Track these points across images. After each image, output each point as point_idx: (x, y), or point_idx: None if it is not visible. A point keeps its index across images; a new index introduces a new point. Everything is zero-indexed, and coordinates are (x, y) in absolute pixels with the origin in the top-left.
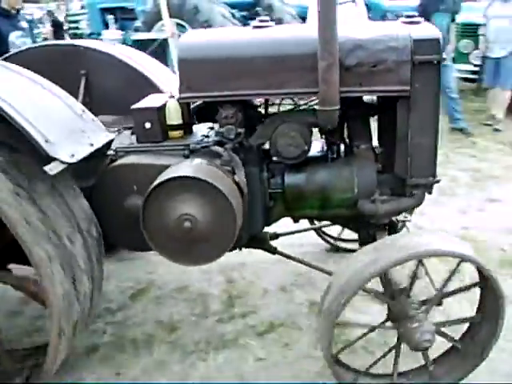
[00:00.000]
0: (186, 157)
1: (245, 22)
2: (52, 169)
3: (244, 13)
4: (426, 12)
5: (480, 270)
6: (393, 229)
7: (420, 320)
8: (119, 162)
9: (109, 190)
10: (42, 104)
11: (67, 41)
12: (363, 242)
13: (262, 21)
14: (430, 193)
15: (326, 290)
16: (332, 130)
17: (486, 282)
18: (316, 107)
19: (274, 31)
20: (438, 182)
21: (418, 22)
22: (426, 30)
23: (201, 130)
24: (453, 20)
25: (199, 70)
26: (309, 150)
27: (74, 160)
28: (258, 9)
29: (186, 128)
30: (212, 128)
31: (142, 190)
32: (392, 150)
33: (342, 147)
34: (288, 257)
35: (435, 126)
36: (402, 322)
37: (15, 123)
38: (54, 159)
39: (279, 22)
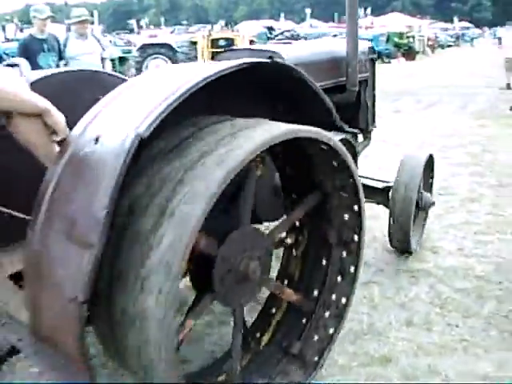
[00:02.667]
0: None
1: None
2: None
3: None
4: (29, 52)
5: None
6: None
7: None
8: None
9: None
10: None
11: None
12: None
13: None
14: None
15: (392, 199)
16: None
17: None
18: None
19: (322, 45)
20: (375, 127)
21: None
22: (362, 42)
23: None
24: (61, 58)
25: None
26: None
27: None
28: None
29: None
30: None
31: None
32: (354, 115)
33: None
34: None
35: (375, 93)
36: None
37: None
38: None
39: None
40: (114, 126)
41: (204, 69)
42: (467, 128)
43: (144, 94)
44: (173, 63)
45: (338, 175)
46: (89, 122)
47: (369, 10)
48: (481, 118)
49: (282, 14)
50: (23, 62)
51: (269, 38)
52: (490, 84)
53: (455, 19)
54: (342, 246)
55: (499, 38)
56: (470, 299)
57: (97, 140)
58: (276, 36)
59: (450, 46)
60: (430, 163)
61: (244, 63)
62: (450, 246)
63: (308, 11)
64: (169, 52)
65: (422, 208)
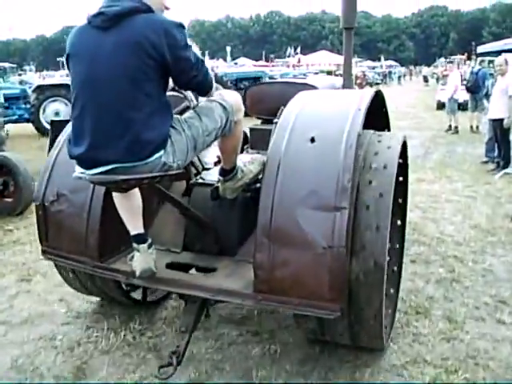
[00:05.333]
0: None
1: None
2: None
3: None
4: None
5: None
6: None
7: None
8: None
9: None
10: None
11: None
12: None
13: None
14: None
15: None
16: None
17: None
18: None
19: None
20: None
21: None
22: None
23: None
24: None
25: None
26: None
27: None
28: None
29: None
30: None
31: None
32: None
33: None
34: None
35: None
36: None
37: None
38: None
39: None
40: (325, 129)
41: (362, 92)
42: None
43: (329, 105)
44: None
45: None
46: (289, 130)
47: (298, 49)
48: (418, 170)
49: (207, 52)
50: None
51: None
52: (420, 126)
53: (382, 58)
54: None
55: (424, 77)
56: None
57: (313, 140)
58: None
59: (377, 83)
60: None
61: (376, 90)
62: None
63: (228, 49)
64: (69, 94)
65: None
